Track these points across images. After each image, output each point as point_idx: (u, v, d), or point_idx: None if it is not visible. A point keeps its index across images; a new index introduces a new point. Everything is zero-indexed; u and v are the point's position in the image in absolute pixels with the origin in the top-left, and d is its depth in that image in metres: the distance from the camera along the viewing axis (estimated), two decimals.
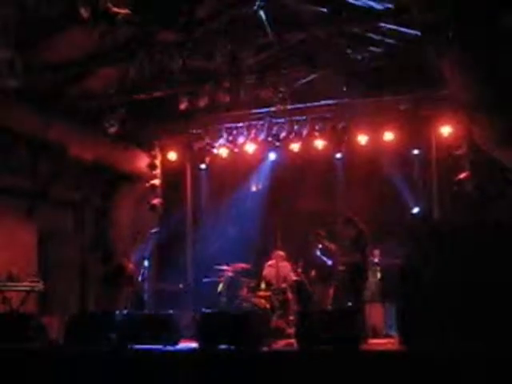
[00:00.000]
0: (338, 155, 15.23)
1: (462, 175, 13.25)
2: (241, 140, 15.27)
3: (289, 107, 13.73)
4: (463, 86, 11.22)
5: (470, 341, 8.38)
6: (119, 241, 15.35)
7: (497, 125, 11.20)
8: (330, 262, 13.15)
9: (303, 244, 13.82)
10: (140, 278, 13.98)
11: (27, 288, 12.66)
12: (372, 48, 12.28)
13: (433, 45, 10.81)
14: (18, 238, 13.77)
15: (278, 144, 15.01)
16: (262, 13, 11.59)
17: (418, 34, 11.20)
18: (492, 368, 8.11)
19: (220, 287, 13.63)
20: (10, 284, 12.51)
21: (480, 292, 8.78)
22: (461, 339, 8.50)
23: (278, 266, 13.66)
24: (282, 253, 13.86)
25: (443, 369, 8.34)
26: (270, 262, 13.88)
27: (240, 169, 15.84)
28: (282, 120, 14.65)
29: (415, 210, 14.46)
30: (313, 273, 13.54)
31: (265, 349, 10.20)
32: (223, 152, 15.60)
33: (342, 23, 11.61)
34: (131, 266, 13.62)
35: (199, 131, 15.45)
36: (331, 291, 13.13)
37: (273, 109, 13.86)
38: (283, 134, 14.84)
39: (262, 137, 15.08)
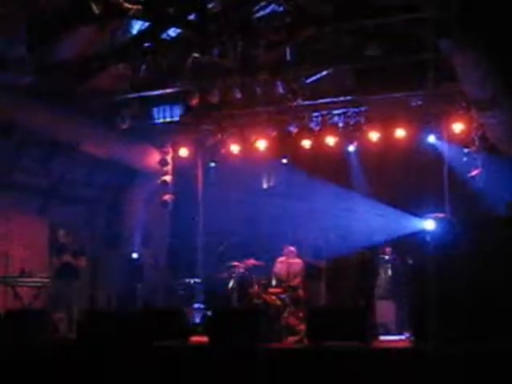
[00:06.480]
0: (351, 148, 15.14)
1: (474, 172, 13.21)
2: (252, 136, 15.30)
3: (301, 104, 13.76)
4: (476, 82, 11.18)
5: (483, 340, 8.34)
6: (128, 235, 15.39)
7: (510, 121, 11.16)
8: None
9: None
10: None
11: (39, 284, 12.71)
12: (383, 44, 12.26)
13: (446, 41, 10.76)
14: (30, 234, 13.81)
15: (290, 141, 15.02)
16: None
17: (431, 30, 11.15)
18: (504, 368, 8.07)
19: (231, 284, 13.63)
20: (21, 280, 12.57)
21: (494, 289, 8.73)
22: (473, 338, 8.45)
23: (290, 263, 13.63)
24: (293, 249, 13.82)
25: (454, 367, 8.31)
26: (281, 259, 13.83)
27: (251, 165, 15.84)
28: (294, 117, 14.67)
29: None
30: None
31: (275, 345, 10.20)
32: (235, 149, 15.61)
33: (353, 19, 11.57)
34: (82, 262, 13.36)
35: (211, 128, 15.49)
36: (323, 288, 12.99)
37: (284, 105, 13.88)
38: (295, 131, 14.87)
39: (273, 133, 15.12)
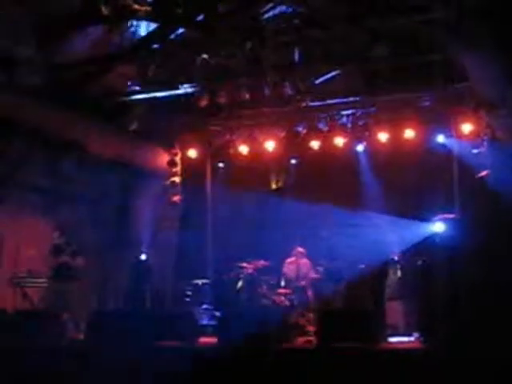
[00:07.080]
0: (360, 148, 15.07)
1: (484, 173, 13.15)
2: (261, 137, 15.29)
3: (310, 104, 13.75)
4: (486, 82, 11.14)
5: (492, 342, 8.31)
6: (136, 236, 15.38)
7: None
8: None
9: None
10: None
11: (45, 284, 12.72)
12: (391, 45, 12.22)
13: (455, 41, 10.73)
14: (36, 234, 13.80)
15: (298, 141, 15.01)
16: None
17: (440, 30, 11.12)
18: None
19: (240, 284, 13.63)
20: (29, 280, 12.58)
21: (505, 289, 8.70)
22: (482, 340, 8.42)
23: (298, 263, 13.62)
24: (302, 249, 13.81)
25: (463, 368, 8.28)
26: (289, 259, 13.83)
27: (260, 166, 15.82)
28: (302, 117, 14.66)
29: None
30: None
31: (285, 346, 10.20)
32: (243, 149, 15.61)
33: (363, 20, 11.55)
34: (80, 262, 13.30)
35: (219, 128, 15.50)
36: (341, 289, 12.98)
37: (293, 106, 13.87)
38: (304, 132, 14.85)
39: (282, 134, 15.11)
